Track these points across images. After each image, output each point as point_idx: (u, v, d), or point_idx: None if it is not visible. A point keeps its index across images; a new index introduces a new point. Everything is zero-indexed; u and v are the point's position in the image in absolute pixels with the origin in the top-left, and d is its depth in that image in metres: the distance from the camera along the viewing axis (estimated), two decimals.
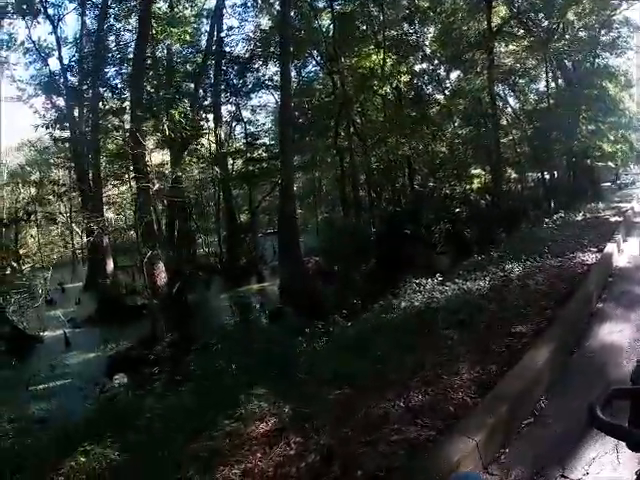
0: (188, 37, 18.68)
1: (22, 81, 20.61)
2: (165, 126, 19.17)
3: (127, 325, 15.50)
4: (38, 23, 20.94)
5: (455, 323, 5.77)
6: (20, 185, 26.09)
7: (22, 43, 20.78)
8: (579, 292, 6.53)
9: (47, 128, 17.46)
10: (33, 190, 31.39)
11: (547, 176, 25.55)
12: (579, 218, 16.63)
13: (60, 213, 25.98)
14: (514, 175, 28.78)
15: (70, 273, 30.08)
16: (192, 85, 22.48)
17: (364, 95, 20.55)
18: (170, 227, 17.46)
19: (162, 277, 13.75)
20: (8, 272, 28.43)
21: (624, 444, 1.21)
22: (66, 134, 19.61)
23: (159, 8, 19.25)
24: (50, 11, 19.24)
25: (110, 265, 21.86)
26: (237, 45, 24.13)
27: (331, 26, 21.75)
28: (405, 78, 21.58)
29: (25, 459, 4.28)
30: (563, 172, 25.36)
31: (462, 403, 3.86)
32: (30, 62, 20.19)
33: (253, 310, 14.65)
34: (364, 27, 21.70)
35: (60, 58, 18.64)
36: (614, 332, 5.59)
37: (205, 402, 5.07)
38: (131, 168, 11.07)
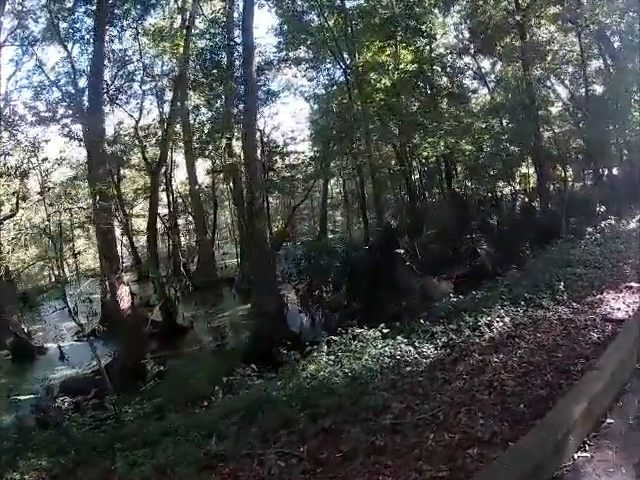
0: (182, 50, 18.23)
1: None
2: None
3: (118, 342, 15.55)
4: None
5: (318, 432, 4.09)
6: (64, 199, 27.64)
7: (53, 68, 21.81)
8: (563, 403, 3.65)
9: None
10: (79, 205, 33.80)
11: (607, 173, 21.55)
12: (632, 226, 13.76)
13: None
14: (568, 173, 25.05)
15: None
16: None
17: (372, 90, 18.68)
18: (153, 246, 17.17)
19: (126, 300, 13.43)
20: (51, 280, 30.60)
21: None
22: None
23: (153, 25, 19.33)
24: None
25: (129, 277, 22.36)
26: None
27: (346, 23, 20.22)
28: (410, 67, 19.17)
29: None
30: (622, 169, 21.19)
31: None
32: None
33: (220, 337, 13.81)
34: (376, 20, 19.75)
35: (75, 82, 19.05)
36: None
37: None
38: None
